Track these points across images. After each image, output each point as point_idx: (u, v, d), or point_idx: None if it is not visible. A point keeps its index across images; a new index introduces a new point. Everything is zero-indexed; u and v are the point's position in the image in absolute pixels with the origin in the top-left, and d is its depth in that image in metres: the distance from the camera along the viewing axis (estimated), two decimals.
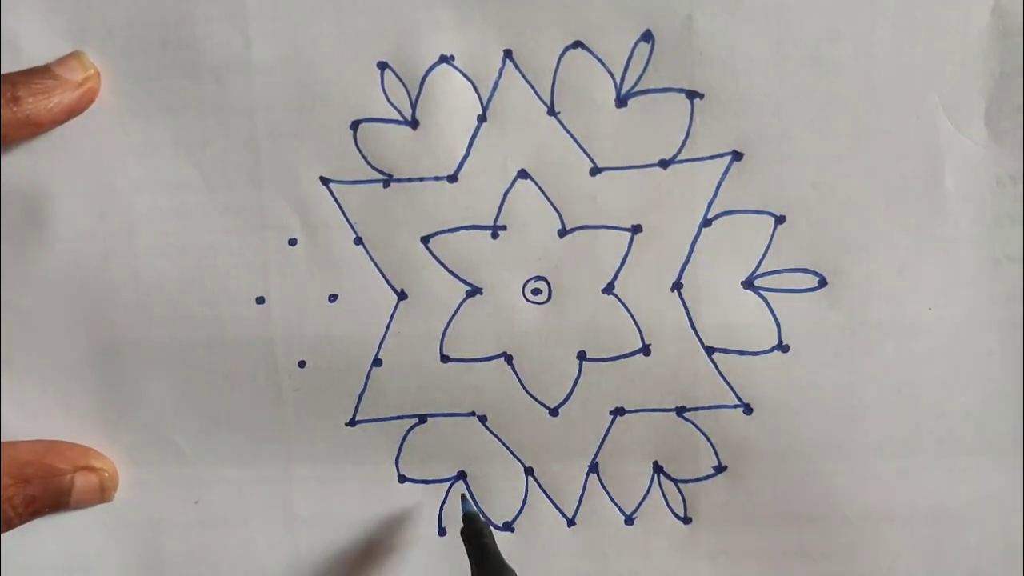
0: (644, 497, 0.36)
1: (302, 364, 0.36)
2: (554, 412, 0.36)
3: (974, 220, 0.34)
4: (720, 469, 0.36)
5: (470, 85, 0.35)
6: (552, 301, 0.36)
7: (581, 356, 0.36)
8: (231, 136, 0.35)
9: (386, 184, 0.35)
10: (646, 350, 0.36)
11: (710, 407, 0.36)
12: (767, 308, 0.35)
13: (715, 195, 0.35)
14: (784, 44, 0.34)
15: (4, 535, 0.35)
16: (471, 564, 0.33)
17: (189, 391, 0.36)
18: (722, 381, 0.36)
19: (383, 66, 0.35)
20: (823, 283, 0.35)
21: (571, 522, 0.37)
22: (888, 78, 0.34)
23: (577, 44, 0.34)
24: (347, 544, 0.37)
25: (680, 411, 0.36)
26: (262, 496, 0.37)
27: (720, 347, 0.35)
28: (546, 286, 0.36)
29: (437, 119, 0.35)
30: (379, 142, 0.35)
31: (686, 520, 0.36)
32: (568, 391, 0.36)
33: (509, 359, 0.36)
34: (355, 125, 0.35)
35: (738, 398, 0.36)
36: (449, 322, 0.36)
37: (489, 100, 0.35)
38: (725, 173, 0.35)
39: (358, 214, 0.36)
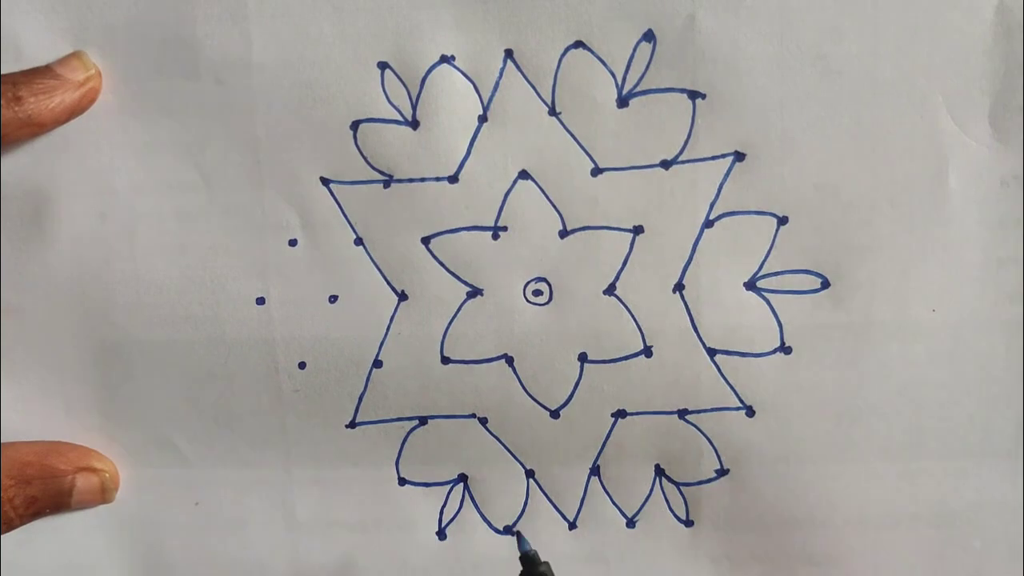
0: (646, 500, 0.36)
1: (302, 365, 0.36)
2: (555, 414, 0.36)
3: (978, 221, 0.34)
4: (722, 472, 0.36)
5: (471, 85, 0.35)
6: (553, 302, 0.36)
7: (582, 358, 0.36)
8: (231, 136, 0.35)
9: (386, 184, 0.35)
10: (648, 352, 0.35)
11: (712, 409, 0.35)
12: (769, 309, 0.35)
13: (717, 196, 0.34)
14: (787, 44, 0.33)
15: (4, 536, 0.35)
16: None
17: (189, 392, 0.36)
18: (724, 383, 0.35)
19: (383, 66, 0.34)
20: (826, 284, 0.35)
21: (572, 525, 0.37)
22: (891, 78, 0.33)
23: (578, 44, 0.34)
24: (347, 546, 0.37)
25: (682, 413, 0.36)
26: (262, 498, 0.37)
27: (722, 349, 0.35)
28: (547, 287, 0.36)
29: (438, 119, 0.35)
30: (379, 142, 0.35)
31: (688, 523, 0.36)
32: (569, 393, 0.36)
33: (510, 360, 0.36)
34: (355, 125, 0.35)
35: (740, 400, 0.35)
36: (450, 323, 0.36)
37: (490, 100, 0.35)
38: (727, 174, 0.34)
39: (358, 215, 0.35)
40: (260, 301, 0.36)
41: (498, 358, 0.36)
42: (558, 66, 0.34)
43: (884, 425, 0.35)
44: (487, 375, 0.36)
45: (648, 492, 0.36)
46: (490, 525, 0.37)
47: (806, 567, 0.36)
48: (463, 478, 0.37)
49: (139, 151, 0.35)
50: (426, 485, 0.37)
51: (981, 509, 0.35)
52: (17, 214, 0.36)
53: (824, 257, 0.34)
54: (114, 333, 0.36)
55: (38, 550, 0.37)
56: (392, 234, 0.35)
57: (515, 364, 0.36)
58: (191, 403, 0.36)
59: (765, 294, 0.35)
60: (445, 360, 0.36)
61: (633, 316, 0.35)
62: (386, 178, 0.35)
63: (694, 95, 0.34)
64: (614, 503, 0.36)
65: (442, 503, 0.37)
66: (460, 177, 0.35)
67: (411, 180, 0.35)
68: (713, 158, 0.34)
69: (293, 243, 0.36)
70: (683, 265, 0.35)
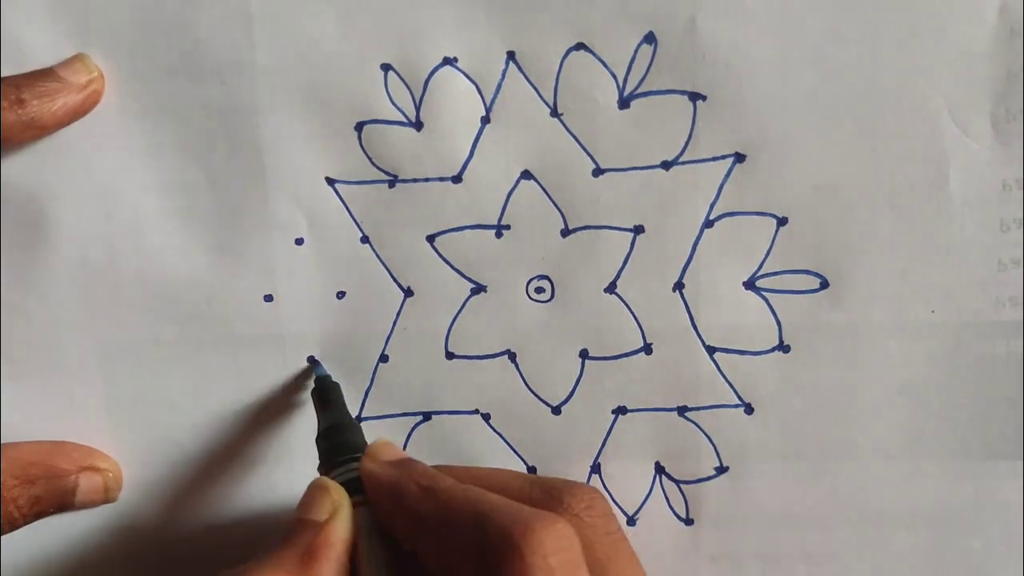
0: (646, 498, 0.37)
1: (311, 360, 0.37)
2: (556, 411, 0.37)
3: (979, 223, 0.34)
4: (722, 469, 0.36)
5: (473, 87, 0.35)
6: (555, 300, 0.36)
7: (583, 355, 0.36)
8: (236, 137, 0.35)
9: (391, 184, 0.36)
10: (648, 349, 0.36)
11: (711, 407, 0.36)
12: (768, 309, 0.35)
13: (717, 196, 0.35)
14: (787, 46, 0.33)
15: (7, 535, 0.35)
16: (318, 415, 0.35)
17: (195, 391, 0.37)
18: (723, 380, 0.36)
19: (387, 68, 0.35)
20: (825, 285, 0.35)
21: None
22: (892, 80, 0.33)
23: (580, 46, 0.34)
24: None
25: (681, 410, 0.36)
26: (269, 496, 0.38)
27: (721, 347, 0.36)
28: (549, 285, 0.36)
29: (441, 120, 0.35)
30: (384, 143, 0.35)
31: (688, 521, 0.37)
32: (570, 389, 0.36)
33: (512, 356, 0.36)
34: (360, 126, 0.35)
35: (739, 397, 0.36)
36: (454, 319, 0.36)
37: (492, 101, 0.35)
38: (727, 175, 0.35)
39: (364, 214, 0.36)
40: (268, 299, 0.36)
41: (501, 354, 0.37)
42: (560, 68, 0.34)
43: (883, 425, 0.35)
44: (490, 371, 0.37)
45: (648, 490, 0.37)
46: None
47: (806, 566, 0.37)
48: None
49: (143, 153, 0.35)
50: None
51: (981, 509, 0.36)
52: (21, 216, 0.36)
53: (823, 258, 0.35)
54: (119, 333, 0.36)
55: (41, 550, 0.38)
56: (398, 232, 0.36)
57: (517, 360, 0.36)
58: (197, 402, 0.37)
59: (764, 293, 0.35)
60: (449, 355, 0.37)
61: (633, 314, 0.36)
62: (391, 178, 0.35)
63: (695, 97, 0.34)
64: (614, 501, 0.37)
65: None
66: (464, 177, 0.35)
67: (415, 180, 0.35)
68: (713, 159, 0.34)
69: (300, 242, 0.36)
70: (683, 264, 0.35)
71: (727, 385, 0.36)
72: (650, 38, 0.34)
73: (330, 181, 0.36)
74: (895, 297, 0.35)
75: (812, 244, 0.35)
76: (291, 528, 0.30)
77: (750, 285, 0.35)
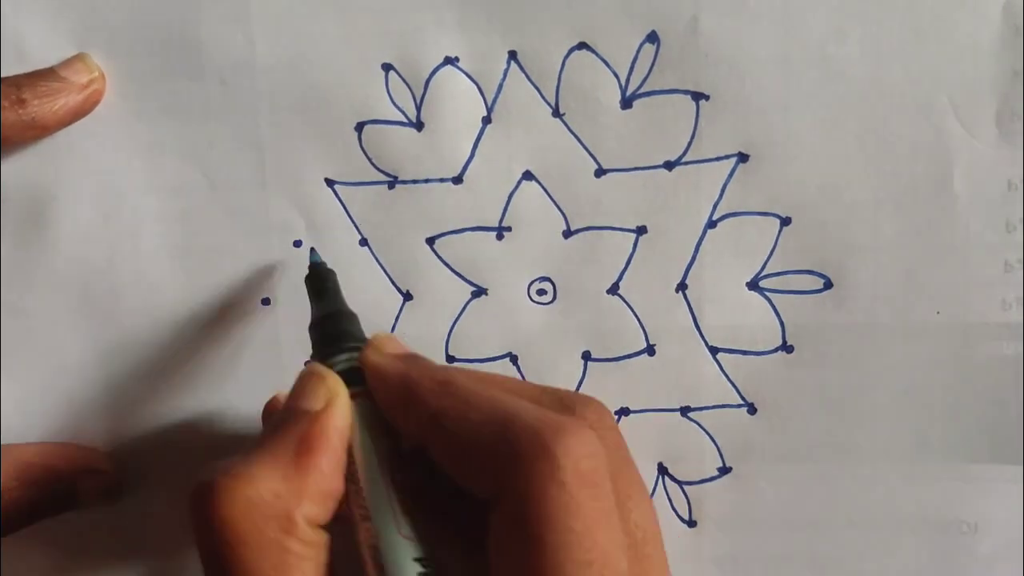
0: None
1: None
2: None
3: (984, 224, 0.34)
4: (725, 470, 0.36)
5: (475, 87, 0.34)
6: (557, 301, 0.36)
7: (586, 356, 0.36)
8: (236, 138, 0.35)
9: (391, 186, 0.35)
10: (650, 350, 0.36)
11: (714, 407, 0.36)
12: (772, 309, 0.35)
13: (720, 197, 0.35)
14: (790, 45, 0.33)
15: (7, 537, 0.35)
16: (312, 304, 0.33)
17: (194, 393, 0.37)
18: (726, 380, 0.36)
19: (387, 68, 0.34)
20: (828, 285, 0.35)
21: None
22: (896, 79, 0.33)
23: (582, 45, 0.34)
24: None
25: (684, 411, 0.36)
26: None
27: (724, 347, 0.35)
28: (551, 287, 0.36)
29: (442, 121, 0.35)
30: (384, 144, 0.35)
31: (691, 523, 0.36)
32: (573, 391, 0.36)
33: (514, 359, 0.36)
34: (360, 127, 0.35)
35: (742, 397, 0.36)
36: (455, 322, 0.36)
37: (494, 102, 0.35)
38: (730, 175, 0.34)
39: (363, 215, 0.36)
40: (266, 302, 0.36)
41: (502, 356, 0.36)
42: (562, 68, 0.34)
43: (887, 427, 0.35)
44: None
45: (651, 491, 0.36)
46: None
47: (810, 570, 0.36)
48: None
49: (143, 153, 0.35)
50: None
51: (989, 514, 0.35)
52: (21, 216, 0.36)
53: (827, 258, 0.35)
54: (118, 334, 0.36)
55: (41, 552, 0.38)
56: (397, 235, 0.36)
57: (519, 362, 0.36)
58: (197, 404, 0.37)
59: (767, 294, 0.35)
60: (450, 359, 0.36)
61: (636, 315, 0.36)
62: (391, 179, 0.35)
63: (697, 96, 0.34)
64: None
65: None
66: (464, 178, 0.35)
67: (416, 181, 0.35)
68: (716, 159, 0.34)
69: (298, 244, 0.36)
70: (686, 265, 0.35)
71: (730, 386, 0.36)
72: (652, 37, 0.34)
73: (329, 182, 0.35)
74: (899, 298, 0.34)
75: (816, 244, 0.34)
76: (281, 417, 0.28)
77: (753, 285, 0.35)
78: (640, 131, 0.34)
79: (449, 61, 0.34)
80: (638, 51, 0.34)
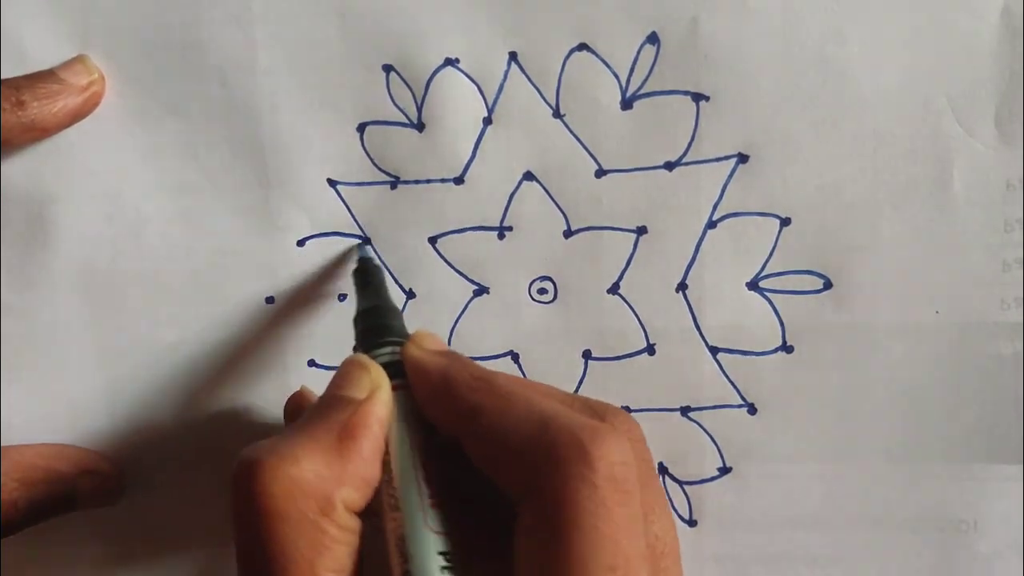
0: None
1: (312, 363, 0.37)
2: None
3: (983, 223, 0.34)
4: (725, 470, 0.36)
5: (475, 88, 0.35)
6: (558, 301, 0.36)
7: (586, 355, 0.36)
8: (238, 139, 0.35)
9: (393, 186, 0.35)
10: (651, 350, 0.36)
11: (714, 407, 0.36)
12: (772, 309, 0.35)
13: (720, 197, 0.35)
14: (790, 46, 0.33)
15: (6, 538, 0.35)
16: (357, 295, 0.34)
17: (196, 393, 0.37)
18: (726, 380, 0.36)
19: (388, 69, 0.35)
20: (828, 285, 0.35)
21: None
22: (896, 80, 0.33)
23: (582, 46, 0.34)
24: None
25: (685, 411, 0.36)
26: None
27: (724, 347, 0.36)
28: (552, 286, 0.36)
29: (443, 122, 0.35)
30: (386, 144, 0.35)
31: (691, 522, 0.37)
32: (574, 391, 0.36)
33: (516, 358, 0.36)
34: (361, 127, 0.35)
35: (742, 397, 0.36)
36: (456, 321, 0.36)
37: (495, 102, 0.35)
38: (730, 175, 0.34)
39: (366, 215, 0.36)
40: (269, 300, 0.36)
41: (504, 355, 0.36)
42: (562, 68, 0.34)
43: (887, 426, 0.35)
44: None
45: None
46: None
47: (809, 568, 0.36)
48: None
49: (144, 154, 0.35)
50: None
51: (986, 512, 0.36)
52: (21, 218, 0.36)
53: (827, 258, 0.35)
54: (120, 335, 0.36)
55: (41, 552, 0.38)
56: (400, 234, 0.36)
57: (520, 361, 0.36)
58: (198, 404, 0.37)
59: (767, 294, 0.35)
60: None
61: (636, 315, 0.36)
62: (393, 179, 0.35)
63: (698, 97, 0.34)
64: None
65: None
66: (466, 178, 0.35)
67: (417, 182, 0.35)
68: (716, 160, 0.34)
69: (301, 243, 0.36)
70: (686, 265, 0.35)
71: (730, 386, 0.36)
72: (653, 38, 0.34)
73: (332, 182, 0.35)
74: (898, 298, 0.35)
75: (815, 244, 0.35)
76: (324, 403, 0.29)
77: (753, 286, 0.35)
78: (640, 132, 0.34)
79: (450, 62, 0.34)
80: (638, 52, 0.34)
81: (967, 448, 0.35)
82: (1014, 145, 0.33)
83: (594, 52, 0.34)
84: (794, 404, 0.36)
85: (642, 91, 0.34)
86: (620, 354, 0.36)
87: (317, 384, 0.36)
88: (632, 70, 0.34)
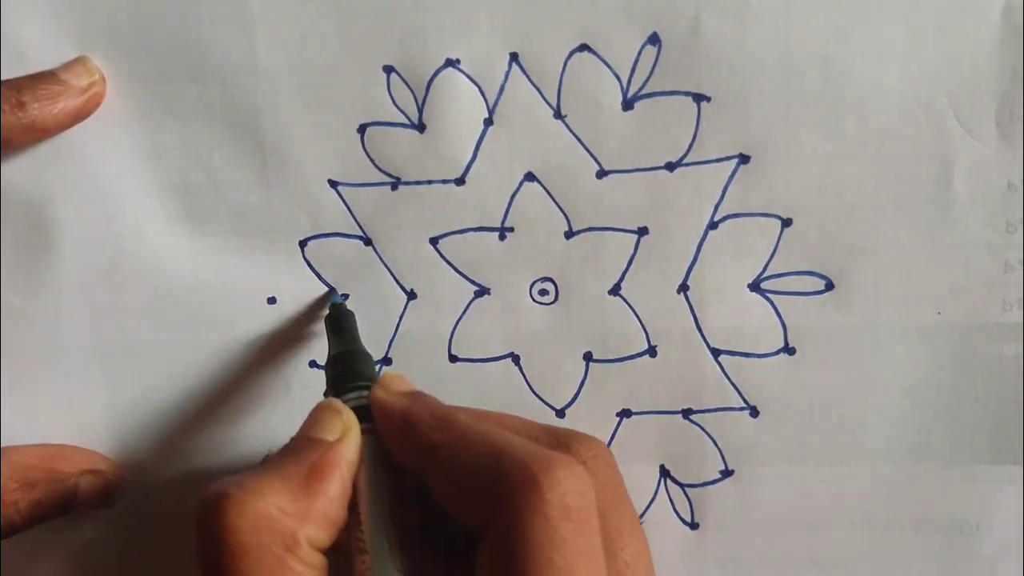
0: (651, 501, 0.37)
1: (312, 364, 0.37)
2: (560, 413, 0.36)
3: (984, 224, 0.34)
4: (727, 473, 0.36)
5: (476, 88, 0.35)
6: (559, 302, 0.36)
7: (587, 357, 0.36)
8: (238, 139, 0.35)
9: (394, 187, 0.35)
10: (652, 351, 0.36)
11: (716, 409, 0.36)
12: (773, 311, 0.35)
13: (722, 198, 0.35)
14: (791, 46, 0.33)
15: (7, 539, 0.35)
16: (329, 341, 0.34)
17: (197, 393, 0.37)
18: (728, 383, 0.36)
19: (389, 70, 0.35)
20: (830, 286, 0.35)
21: None
22: (897, 80, 0.33)
23: (583, 47, 0.34)
24: None
25: (686, 413, 0.36)
26: None
27: (726, 349, 0.35)
28: (553, 287, 0.36)
29: (444, 122, 0.35)
30: (386, 145, 0.35)
31: (693, 526, 0.37)
32: (575, 392, 0.36)
33: (516, 359, 0.36)
34: (362, 128, 0.35)
35: (744, 400, 0.36)
36: (457, 322, 0.36)
37: (495, 103, 0.35)
38: (732, 176, 0.34)
39: (367, 216, 0.36)
40: (271, 301, 0.36)
41: (504, 357, 0.36)
42: (563, 69, 0.34)
43: (889, 428, 0.35)
44: (494, 374, 0.36)
45: (653, 493, 0.36)
46: None
47: (811, 570, 0.36)
48: None
49: (144, 154, 0.35)
50: None
51: (988, 514, 0.35)
52: (22, 219, 0.36)
53: (828, 259, 0.35)
54: (122, 336, 0.36)
55: (41, 552, 0.38)
56: (401, 235, 0.36)
57: (521, 363, 0.36)
58: (199, 404, 0.37)
59: (769, 295, 0.35)
60: (453, 358, 0.36)
61: (638, 316, 0.36)
62: (394, 180, 0.35)
63: (699, 98, 0.34)
64: None
65: None
66: (467, 179, 0.35)
67: (418, 182, 0.35)
68: (718, 160, 0.34)
69: (302, 244, 0.36)
70: (687, 266, 0.35)
71: (732, 388, 0.36)
72: (654, 39, 0.34)
73: (332, 183, 0.35)
74: (900, 299, 0.34)
75: (817, 245, 0.34)
76: (295, 444, 0.29)
77: (755, 287, 0.35)
78: (641, 132, 0.34)
79: (450, 63, 0.34)
80: (639, 53, 0.34)
81: (969, 450, 0.35)
82: (1015, 145, 0.33)
83: (595, 53, 0.34)
84: (796, 406, 0.35)
85: (643, 92, 0.34)
86: (621, 356, 0.36)
87: (317, 384, 0.36)
88: (633, 71, 0.34)
